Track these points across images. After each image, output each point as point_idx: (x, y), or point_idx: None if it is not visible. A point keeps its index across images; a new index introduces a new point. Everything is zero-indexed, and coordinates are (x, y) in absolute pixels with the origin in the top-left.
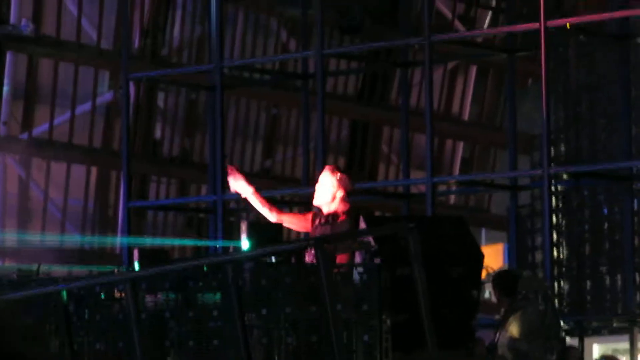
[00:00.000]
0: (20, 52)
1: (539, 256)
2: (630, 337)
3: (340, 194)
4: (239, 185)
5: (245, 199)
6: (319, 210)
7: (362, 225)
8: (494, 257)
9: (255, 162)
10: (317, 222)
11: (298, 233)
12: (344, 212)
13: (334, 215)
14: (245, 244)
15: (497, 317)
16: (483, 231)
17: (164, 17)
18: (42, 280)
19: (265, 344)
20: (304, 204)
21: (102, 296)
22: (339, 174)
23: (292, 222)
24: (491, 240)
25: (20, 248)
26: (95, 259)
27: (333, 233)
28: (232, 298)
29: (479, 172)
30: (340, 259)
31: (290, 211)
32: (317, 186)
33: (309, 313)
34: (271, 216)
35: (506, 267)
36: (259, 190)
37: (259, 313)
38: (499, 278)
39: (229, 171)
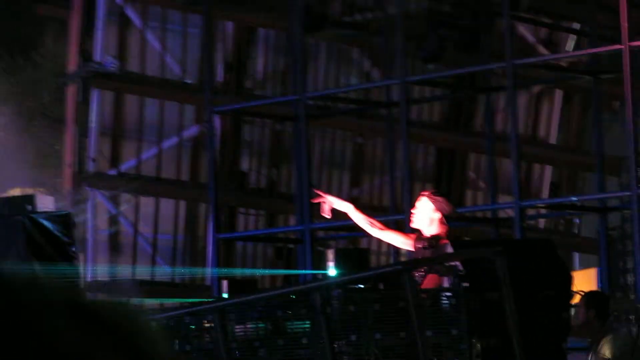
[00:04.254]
0: (105, 88)
1: (630, 278)
2: None
3: (437, 216)
4: (336, 204)
5: (347, 223)
6: (420, 233)
7: (450, 249)
8: (587, 281)
9: (343, 191)
10: (420, 245)
11: (388, 256)
12: (446, 236)
13: (436, 238)
14: (332, 271)
15: (588, 340)
16: (577, 256)
17: (247, 50)
18: None
19: None
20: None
21: (192, 327)
22: (432, 195)
23: (395, 238)
24: (584, 265)
25: (112, 282)
26: (185, 291)
27: (420, 258)
28: (321, 325)
29: (568, 195)
30: (429, 282)
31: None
32: (414, 210)
33: (399, 339)
34: (373, 230)
35: (598, 289)
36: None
37: (349, 340)
38: (591, 299)
39: (319, 198)
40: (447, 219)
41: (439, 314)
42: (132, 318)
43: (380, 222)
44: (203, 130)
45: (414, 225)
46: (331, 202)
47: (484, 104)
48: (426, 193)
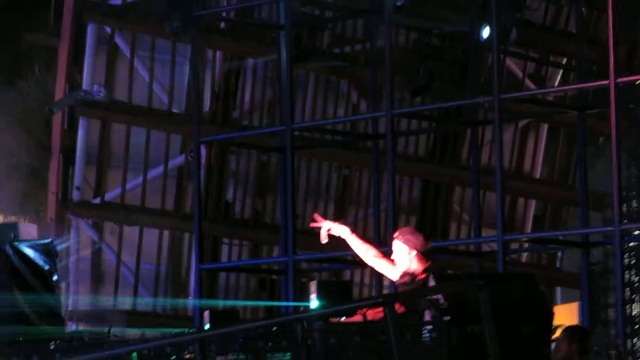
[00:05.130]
0: (92, 117)
1: (612, 313)
2: None
3: (413, 254)
4: (333, 228)
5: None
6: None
7: (432, 282)
8: (569, 315)
9: None
10: (402, 280)
11: (371, 289)
12: (422, 271)
13: (412, 276)
14: (314, 303)
15: None
16: (559, 290)
17: (234, 80)
18: (113, 342)
19: None
20: None
21: (173, 357)
22: (403, 235)
23: (387, 268)
24: (567, 299)
25: (94, 311)
26: (167, 321)
27: (403, 291)
28: (302, 357)
29: (551, 230)
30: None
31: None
32: (393, 256)
33: None
34: (367, 256)
35: (580, 324)
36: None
37: None
38: (573, 334)
39: (317, 223)
40: (426, 254)
41: (420, 347)
42: None
43: (377, 248)
44: (189, 159)
45: (398, 267)
46: (328, 227)
47: (470, 137)
48: (396, 235)
